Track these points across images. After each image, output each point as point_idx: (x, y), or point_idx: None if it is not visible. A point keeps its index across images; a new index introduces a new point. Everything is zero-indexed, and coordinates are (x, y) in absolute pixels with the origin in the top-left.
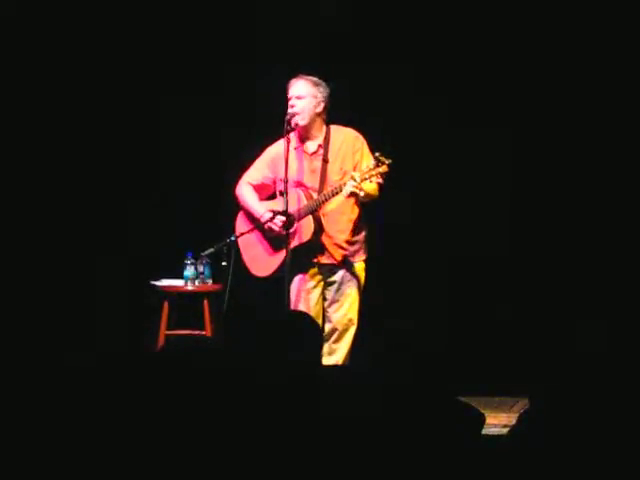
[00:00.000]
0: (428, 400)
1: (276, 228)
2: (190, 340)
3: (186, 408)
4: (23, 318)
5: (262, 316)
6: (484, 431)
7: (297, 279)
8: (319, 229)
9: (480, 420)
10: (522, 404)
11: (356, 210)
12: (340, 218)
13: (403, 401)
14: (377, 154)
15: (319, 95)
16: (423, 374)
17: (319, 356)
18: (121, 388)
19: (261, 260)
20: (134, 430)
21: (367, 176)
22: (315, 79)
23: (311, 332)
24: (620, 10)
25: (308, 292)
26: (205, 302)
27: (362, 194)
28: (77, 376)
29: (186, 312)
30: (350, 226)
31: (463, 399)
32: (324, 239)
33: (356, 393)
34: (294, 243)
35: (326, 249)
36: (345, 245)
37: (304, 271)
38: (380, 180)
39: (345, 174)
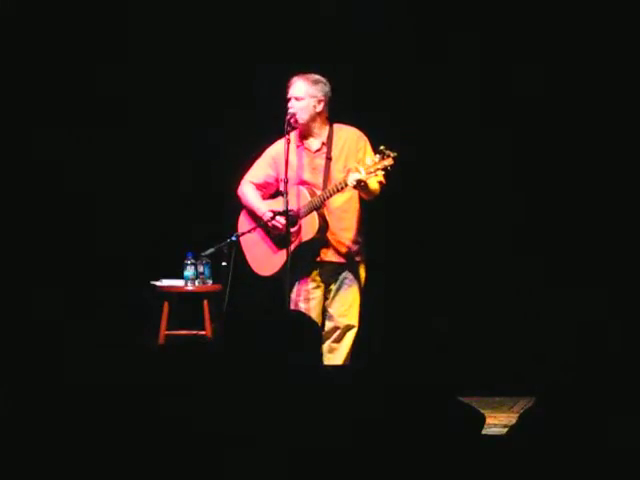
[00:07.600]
0: (428, 400)
1: (279, 225)
2: (190, 340)
3: (186, 408)
4: (22, 319)
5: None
6: (484, 431)
7: (299, 279)
8: (324, 226)
9: (480, 420)
10: (522, 404)
11: (359, 209)
12: (344, 216)
13: (403, 401)
14: (382, 147)
15: (318, 94)
16: (423, 374)
17: (319, 356)
18: (121, 388)
19: (264, 259)
20: (133, 430)
21: (372, 170)
22: (315, 77)
23: (311, 332)
24: (620, 10)
25: (309, 292)
26: (205, 302)
27: (368, 180)
28: (77, 376)
29: (186, 312)
30: (354, 224)
31: (463, 399)
32: (329, 237)
33: (356, 393)
34: (297, 242)
35: (330, 247)
36: (349, 243)
37: (307, 270)
38: (382, 179)
39: (349, 172)
